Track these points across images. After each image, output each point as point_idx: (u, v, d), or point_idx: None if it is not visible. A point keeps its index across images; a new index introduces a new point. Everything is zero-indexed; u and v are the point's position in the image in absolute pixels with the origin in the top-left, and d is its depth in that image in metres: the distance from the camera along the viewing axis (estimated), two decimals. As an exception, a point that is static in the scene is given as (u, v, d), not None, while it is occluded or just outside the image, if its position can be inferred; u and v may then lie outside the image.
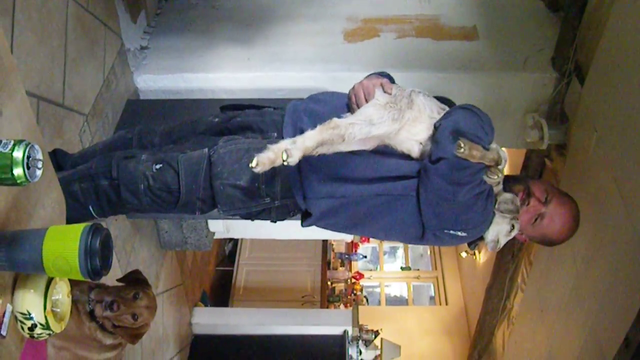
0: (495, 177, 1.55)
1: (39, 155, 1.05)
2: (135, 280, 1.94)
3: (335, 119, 1.53)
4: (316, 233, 5.20)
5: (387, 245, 8.66)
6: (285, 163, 1.43)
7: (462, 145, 1.45)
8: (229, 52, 3.38)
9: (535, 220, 1.69)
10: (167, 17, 3.64)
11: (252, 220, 1.84)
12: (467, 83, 3.23)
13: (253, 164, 1.41)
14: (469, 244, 1.75)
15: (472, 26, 3.50)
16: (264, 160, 1.42)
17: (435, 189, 1.56)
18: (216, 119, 1.95)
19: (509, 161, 4.08)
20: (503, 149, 1.62)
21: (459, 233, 1.62)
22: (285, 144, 1.45)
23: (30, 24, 2.23)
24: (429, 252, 8.20)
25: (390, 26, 3.52)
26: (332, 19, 3.58)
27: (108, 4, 2.98)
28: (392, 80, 1.75)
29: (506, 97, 3.26)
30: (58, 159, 2.14)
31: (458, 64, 3.27)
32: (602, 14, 2.79)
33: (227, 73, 3.29)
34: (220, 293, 6.24)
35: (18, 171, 1.00)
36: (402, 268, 8.19)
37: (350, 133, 1.52)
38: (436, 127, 1.58)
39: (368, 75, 1.76)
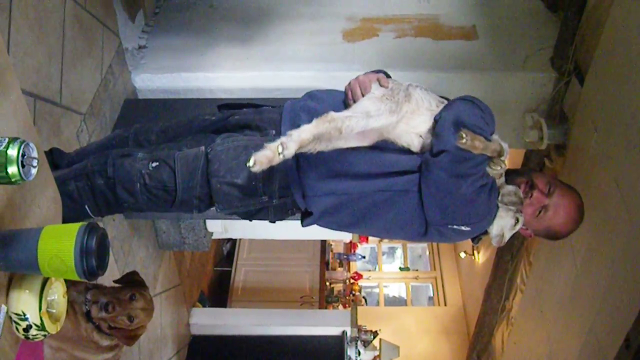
0: (499, 167, 1.54)
1: (34, 154, 1.04)
2: (132, 282, 1.93)
3: (332, 113, 1.50)
4: (315, 233, 5.21)
5: (385, 245, 8.66)
6: (281, 156, 1.40)
7: (464, 135, 1.43)
8: (228, 52, 3.37)
9: (539, 212, 1.68)
10: (165, 16, 3.64)
11: (251, 220, 1.82)
12: (466, 83, 3.22)
13: (250, 163, 1.39)
14: (473, 239, 1.73)
15: (471, 26, 3.49)
16: (261, 159, 1.40)
17: (437, 182, 1.54)
18: (213, 117, 1.93)
19: (508, 160, 4.07)
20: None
21: (463, 227, 1.60)
22: (281, 139, 1.43)
23: (27, 22, 2.22)
24: (427, 253, 8.20)
25: (390, 26, 3.52)
26: (331, 19, 3.57)
27: (106, 2, 2.97)
28: (388, 77, 1.73)
29: (505, 96, 3.25)
30: (55, 158, 2.12)
31: (457, 63, 3.26)
32: (601, 14, 2.79)
33: (225, 72, 3.28)
34: (219, 293, 6.23)
35: (12, 169, 0.98)
36: (400, 268, 8.19)
37: (348, 126, 1.50)
38: (436, 120, 1.56)
39: (365, 73, 1.74)
